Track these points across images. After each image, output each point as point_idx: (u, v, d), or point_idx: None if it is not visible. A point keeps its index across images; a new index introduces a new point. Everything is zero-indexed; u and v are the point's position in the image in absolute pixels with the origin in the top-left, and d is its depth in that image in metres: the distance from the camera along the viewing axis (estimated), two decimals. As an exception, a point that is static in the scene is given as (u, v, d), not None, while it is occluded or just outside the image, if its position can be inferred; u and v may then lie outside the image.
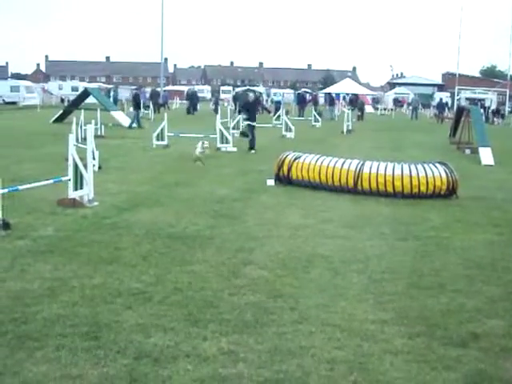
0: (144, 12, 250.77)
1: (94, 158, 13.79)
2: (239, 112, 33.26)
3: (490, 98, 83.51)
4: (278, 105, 49.25)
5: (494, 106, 70.42)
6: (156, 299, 6.69)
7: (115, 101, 53.79)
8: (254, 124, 23.51)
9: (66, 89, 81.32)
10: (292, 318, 6.26)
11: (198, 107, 56.13)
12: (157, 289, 7.03)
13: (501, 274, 8.17)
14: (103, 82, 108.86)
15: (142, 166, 17.79)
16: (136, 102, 35.88)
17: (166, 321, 6.08)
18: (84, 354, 5.26)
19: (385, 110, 73.78)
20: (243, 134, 24.98)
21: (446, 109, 63.33)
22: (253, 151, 22.88)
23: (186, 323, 6.04)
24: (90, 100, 38.87)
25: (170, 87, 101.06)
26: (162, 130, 23.67)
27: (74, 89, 75.19)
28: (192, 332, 5.83)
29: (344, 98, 72.98)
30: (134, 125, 33.38)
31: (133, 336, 5.68)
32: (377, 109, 73.98)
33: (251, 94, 28.39)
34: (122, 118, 36.12)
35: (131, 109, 37.26)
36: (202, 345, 5.56)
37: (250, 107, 24.62)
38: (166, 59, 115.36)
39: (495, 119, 57.15)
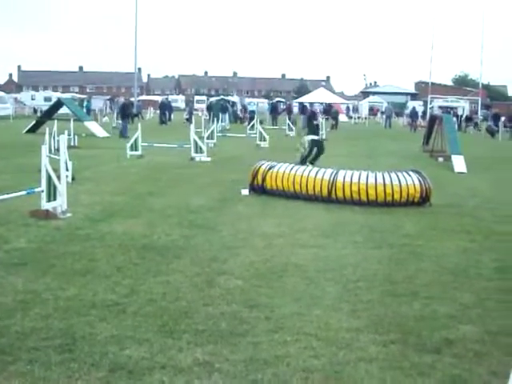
0: (117, 22, 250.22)
1: (67, 169, 13.71)
2: (213, 121, 33.32)
3: (463, 106, 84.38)
4: (252, 114, 49.37)
5: (466, 114, 71.06)
6: (130, 310, 6.65)
7: (88, 111, 53.54)
8: (315, 138, 21.18)
9: (39, 99, 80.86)
10: (267, 328, 6.26)
11: (172, 117, 56.12)
12: (131, 300, 6.99)
13: (474, 280, 8.24)
14: (76, 92, 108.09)
15: (116, 177, 17.73)
16: (123, 113, 35.83)
17: (140, 332, 6.04)
18: (58, 368, 5.21)
19: (359, 118, 74.21)
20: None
21: (419, 117, 63.80)
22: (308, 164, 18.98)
23: (160, 334, 6.01)
24: (64, 110, 38.72)
25: (144, 97, 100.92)
26: (135, 140, 23.63)
27: (47, 99, 74.72)
28: (167, 343, 5.81)
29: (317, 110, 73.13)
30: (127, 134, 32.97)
31: (107, 348, 5.63)
32: (351, 117, 74.40)
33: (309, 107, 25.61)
34: (96, 128, 36.03)
35: (118, 119, 37.18)
36: (177, 356, 5.54)
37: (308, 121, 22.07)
38: (139, 69, 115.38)
39: (468, 127, 57.67)
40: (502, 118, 53.67)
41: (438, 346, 5.94)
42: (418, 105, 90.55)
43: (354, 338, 6.06)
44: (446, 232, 11.33)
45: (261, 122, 36.64)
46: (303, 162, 19.83)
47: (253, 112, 52.13)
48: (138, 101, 69.52)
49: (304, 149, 20.81)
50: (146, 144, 24.59)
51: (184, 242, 9.86)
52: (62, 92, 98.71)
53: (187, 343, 5.81)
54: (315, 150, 20.96)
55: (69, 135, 23.25)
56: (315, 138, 21.35)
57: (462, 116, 65.45)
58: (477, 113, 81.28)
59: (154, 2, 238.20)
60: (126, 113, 36.40)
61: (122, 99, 54.25)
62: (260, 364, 5.43)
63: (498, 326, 6.53)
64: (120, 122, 35.13)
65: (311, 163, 19.62)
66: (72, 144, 25.43)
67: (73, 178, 15.69)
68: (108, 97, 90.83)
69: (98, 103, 74.70)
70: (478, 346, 5.99)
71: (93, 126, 36.13)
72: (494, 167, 24.29)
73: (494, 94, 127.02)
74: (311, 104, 63.56)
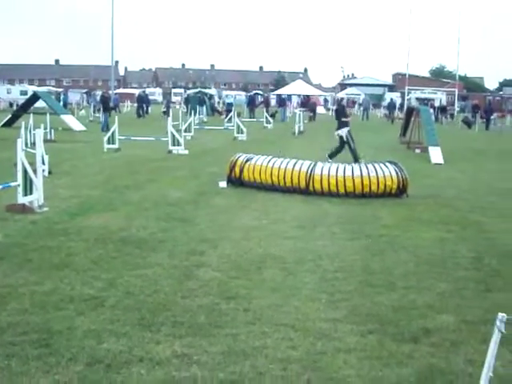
0: (94, 14, 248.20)
1: (43, 163, 13.61)
2: (191, 114, 33.27)
3: (440, 97, 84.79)
4: (229, 107, 49.32)
5: (440, 104, 71.42)
6: (108, 304, 6.62)
7: (65, 104, 53.20)
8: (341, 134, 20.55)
9: (15, 93, 80.00)
10: (245, 319, 6.26)
11: (150, 110, 55.90)
12: (109, 294, 6.96)
13: (450, 270, 8.30)
14: (53, 86, 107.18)
15: (93, 170, 17.63)
16: (104, 105, 35.64)
17: (118, 326, 6.02)
18: (35, 362, 5.18)
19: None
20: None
21: (397, 109, 64.05)
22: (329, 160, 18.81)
23: (138, 327, 5.99)
24: (40, 104, 38.43)
25: (121, 90, 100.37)
26: (112, 133, 23.52)
27: (23, 93, 73.96)
28: (145, 336, 5.79)
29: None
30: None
31: (85, 342, 5.60)
32: (328, 109, 74.51)
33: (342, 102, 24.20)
34: (73, 121, 35.80)
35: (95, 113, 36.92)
36: (156, 349, 5.53)
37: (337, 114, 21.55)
38: (116, 62, 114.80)
39: (443, 118, 58.00)
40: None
41: (416, 336, 5.98)
42: (395, 96, 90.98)
43: (331, 329, 6.09)
44: (423, 223, 11.40)
45: (238, 115, 36.64)
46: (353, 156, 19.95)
47: (230, 105, 52.05)
48: (115, 94, 69.20)
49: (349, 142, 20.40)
50: (123, 137, 24.49)
51: (162, 234, 9.83)
52: (38, 85, 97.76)
53: (165, 336, 5.80)
54: (340, 145, 20.69)
55: (45, 129, 23.12)
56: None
57: (438, 108, 65.76)
58: (453, 104, 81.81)
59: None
60: (107, 106, 36.23)
61: (101, 92, 53.99)
62: (238, 356, 5.43)
63: (474, 314, 6.59)
64: (101, 115, 34.83)
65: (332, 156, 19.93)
66: (48, 138, 25.24)
67: (49, 172, 15.59)
68: (85, 90, 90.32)
69: (74, 96, 74.35)
70: (454, 335, 6.05)
71: (69, 120, 35.88)
72: (471, 158, 24.48)
73: (470, 85, 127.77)
74: (306, 96, 63.47)
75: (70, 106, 56.65)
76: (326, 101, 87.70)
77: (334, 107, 23.03)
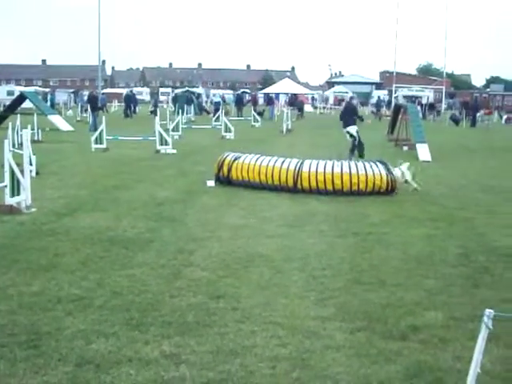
0: (81, 14, 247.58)
1: (31, 164, 13.55)
2: (179, 113, 33.24)
3: (427, 95, 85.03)
4: (217, 106, 49.28)
5: (429, 101, 71.65)
6: (96, 304, 6.60)
7: (52, 105, 52.99)
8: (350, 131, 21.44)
9: (2, 93, 79.51)
10: (234, 318, 6.26)
11: (137, 109, 55.78)
12: (97, 294, 6.94)
13: (438, 267, 8.34)
14: (40, 86, 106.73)
15: (81, 171, 17.58)
16: (92, 105, 35.54)
17: (107, 326, 6.01)
18: (23, 364, 5.16)
19: (324, 108, 74.44)
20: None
21: (384, 106, 64.20)
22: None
23: (127, 327, 5.99)
24: (27, 104, 38.25)
25: (109, 90, 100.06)
26: (100, 133, 23.45)
27: (10, 93, 73.44)
28: (134, 336, 5.78)
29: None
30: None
31: (74, 343, 5.60)
32: (316, 107, 74.61)
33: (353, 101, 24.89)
34: (60, 122, 35.66)
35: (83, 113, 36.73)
36: (144, 349, 5.52)
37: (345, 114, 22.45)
38: (103, 61, 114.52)
39: (431, 116, 58.18)
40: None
41: (404, 333, 6.00)
42: (382, 94, 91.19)
43: (320, 327, 6.10)
44: (411, 220, 11.43)
45: (226, 114, 36.58)
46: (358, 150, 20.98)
47: (218, 103, 51.99)
48: (103, 94, 68.98)
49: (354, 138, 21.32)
50: (111, 137, 24.42)
51: (150, 234, 9.82)
52: (25, 86, 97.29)
53: (154, 336, 5.80)
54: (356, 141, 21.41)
55: (32, 129, 23.02)
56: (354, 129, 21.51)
57: (426, 105, 65.96)
58: (441, 101, 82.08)
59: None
60: (96, 106, 36.16)
61: (88, 92, 53.81)
62: (227, 354, 5.43)
63: (462, 311, 6.62)
64: (89, 115, 34.68)
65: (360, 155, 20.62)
66: (36, 138, 25.16)
67: (37, 173, 15.53)
68: (72, 90, 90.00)
69: (61, 97, 74.02)
70: (443, 331, 6.07)
71: (57, 120, 35.73)
72: (458, 155, 24.57)
73: (457, 82, 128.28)
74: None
75: (58, 107, 56.40)
76: (313, 99, 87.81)
77: (343, 105, 23.03)
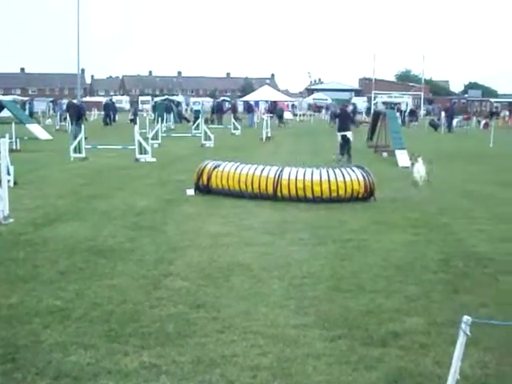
0: (60, 22, 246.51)
1: (8, 174, 13.46)
2: (158, 121, 33.16)
3: (406, 101, 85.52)
4: (197, 114, 49.25)
5: (409, 108, 72.02)
6: (75, 316, 6.55)
7: (31, 113, 52.68)
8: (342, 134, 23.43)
9: (-20, 103, 79.18)
10: (214, 328, 6.24)
11: (117, 118, 55.62)
12: (76, 305, 6.89)
13: (418, 273, 8.36)
14: (18, 95, 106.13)
15: (60, 180, 17.46)
16: (77, 114, 35.40)
17: (86, 338, 5.96)
18: (1, 378, 5.10)
19: (304, 115, 74.61)
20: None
21: (363, 113, 64.50)
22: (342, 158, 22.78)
23: (106, 339, 5.94)
24: (5, 113, 38.03)
25: (88, 98, 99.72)
26: (79, 142, 23.32)
27: (-12, 102, 73.22)
28: (113, 347, 5.74)
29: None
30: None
31: (52, 355, 5.54)
32: (296, 115, 74.73)
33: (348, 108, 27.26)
34: (39, 131, 35.48)
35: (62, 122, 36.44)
36: (124, 360, 5.48)
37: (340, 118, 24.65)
38: (83, 70, 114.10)
39: (411, 122, 58.48)
40: (442, 113, 54.80)
41: (385, 339, 6.01)
42: (362, 101, 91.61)
43: (300, 335, 6.09)
44: (391, 226, 11.45)
45: (206, 122, 36.56)
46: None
47: (198, 112, 51.97)
48: (82, 102, 68.66)
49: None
50: (90, 146, 24.31)
51: (129, 244, 9.77)
52: (4, 94, 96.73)
53: (133, 347, 5.76)
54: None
55: (10, 138, 22.82)
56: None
57: (405, 111, 66.32)
58: (420, 107, 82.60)
59: (97, 2, 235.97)
60: (80, 115, 36.08)
61: (70, 101, 53.52)
62: (207, 364, 5.41)
63: (442, 317, 6.65)
64: (68, 124, 34.50)
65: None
66: (14, 147, 24.94)
67: (15, 183, 15.41)
68: (51, 99, 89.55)
69: (40, 105, 73.59)
70: (423, 337, 6.09)
71: (35, 129, 35.57)
72: (438, 161, 24.60)
73: (436, 88, 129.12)
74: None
75: (36, 115, 56.07)
76: (293, 106, 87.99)
77: (337, 111, 26.74)
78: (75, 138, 29.90)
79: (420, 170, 16.21)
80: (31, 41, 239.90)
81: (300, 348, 5.77)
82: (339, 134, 23.66)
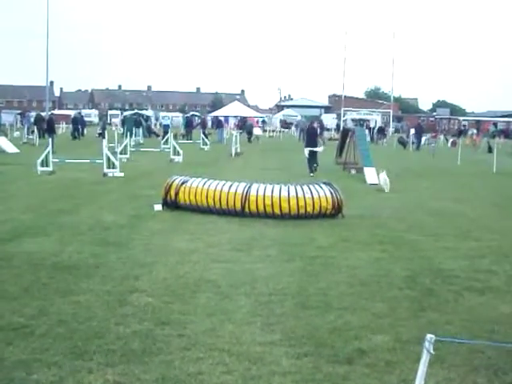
0: (28, 33, 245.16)
1: (-27, 188, 13.30)
2: (127, 136, 33.01)
3: (375, 118, 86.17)
4: (166, 128, 49.20)
5: (378, 125, 72.56)
6: (39, 333, 6.46)
7: (-3, 125, 52.16)
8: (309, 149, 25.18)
9: None
10: (180, 345, 6.19)
11: (85, 132, 55.31)
12: (40, 322, 6.79)
13: (385, 290, 8.39)
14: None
15: (26, 194, 17.27)
16: (50, 126, 35.25)
17: (49, 355, 5.88)
18: (-39, 396, 5.02)
19: (273, 132, 74.79)
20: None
21: (326, 130, 64.84)
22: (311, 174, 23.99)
23: (70, 356, 5.86)
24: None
25: (57, 111, 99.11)
26: (46, 155, 23.12)
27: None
28: (77, 365, 5.67)
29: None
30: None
31: (14, 373, 5.45)
32: (265, 131, 74.91)
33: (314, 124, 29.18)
34: (5, 143, 35.14)
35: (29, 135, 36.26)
36: (88, 378, 5.42)
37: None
38: (51, 82, 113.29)
39: (379, 140, 58.91)
40: (412, 130, 55.35)
41: (351, 357, 6.01)
42: (331, 118, 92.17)
43: (267, 352, 6.07)
44: (358, 243, 11.49)
45: (175, 137, 36.48)
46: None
47: (167, 126, 51.90)
48: (50, 115, 68.17)
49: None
50: (58, 160, 24.13)
51: (95, 260, 9.66)
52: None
53: (98, 364, 5.69)
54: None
55: (-24, 152, 22.62)
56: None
57: (374, 128, 66.80)
58: (389, 125, 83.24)
59: (67, 15, 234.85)
60: (53, 128, 35.98)
61: (39, 114, 53.17)
62: (172, 382, 5.38)
63: (408, 334, 6.67)
64: (45, 138, 34.35)
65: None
66: (-20, 161, 24.70)
67: (-20, 197, 15.23)
68: (19, 111, 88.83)
69: (8, 118, 72.94)
70: (389, 354, 6.10)
71: (2, 142, 35.22)
72: (405, 178, 24.85)
73: (405, 106, 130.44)
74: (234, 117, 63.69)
75: (3, 128, 55.54)
76: (263, 122, 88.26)
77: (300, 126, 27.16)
78: (52, 148, 29.74)
79: (385, 179, 20.15)
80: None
81: (266, 366, 5.75)
82: (306, 150, 25.34)
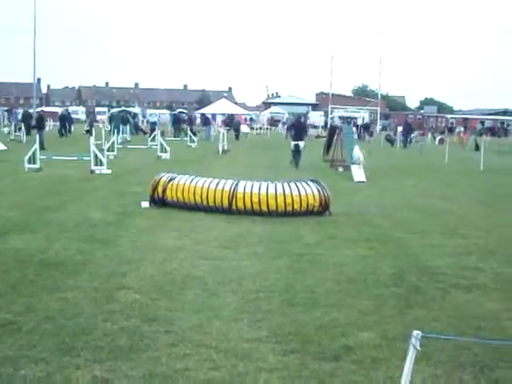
0: (16, 30, 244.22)
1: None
2: (114, 133, 32.94)
3: (363, 116, 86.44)
4: (153, 125, 49.14)
5: (363, 122, 72.81)
6: (26, 329, 6.45)
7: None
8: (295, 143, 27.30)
9: None
10: (167, 342, 6.20)
11: (72, 129, 55.13)
12: (27, 318, 6.78)
13: (371, 287, 8.42)
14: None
15: (13, 191, 17.20)
16: (39, 123, 35.15)
17: (36, 351, 5.87)
18: None
19: (260, 129, 74.84)
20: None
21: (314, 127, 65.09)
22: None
23: (58, 352, 5.86)
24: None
25: (44, 108, 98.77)
26: (33, 152, 23.03)
27: None
28: (64, 361, 5.67)
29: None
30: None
31: (2, 369, 5.44)
32: (253, 128, 74.94)
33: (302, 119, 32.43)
34: (-8, 141, 34.98)
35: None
36: (75, 374, 5.41)
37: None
38: (38, 79, 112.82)
39: (366, 136, 59.03)
40: (399, 128, 55.53)
41: (338, 354, 6.03)
42: (319, 115, 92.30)
43: (253, 349, 6.09)
44: (345, 240, 11.52)
45: (162, 134, 36.43)
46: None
47: (154, 123, 51.88)
48: (37, 112, 67.92)
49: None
50: (45, 157, 24.04)
51: (82, 256, 9.65)
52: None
53: (85, 360, 5.70)
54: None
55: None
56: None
57: (362, 125, 66.99)
58: (376, 122, 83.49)
59: (53, 12, 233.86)
60: (43, 125, 35.93)
61: (26, 110, 53.03)
62: (159, 379, 5.38)
63: (394, 331, 6.70)
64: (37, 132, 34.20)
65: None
66: (-34, 158, 24.58)
67: (-34, 193, 15.16)
68: (6, 108, 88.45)
69: (-6, 114, 72.64)
70: (375, 351, 6.13)
71: (-11, 139, 35.08)
72: (392, 176, 24.95)
73: (392, 104, 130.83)
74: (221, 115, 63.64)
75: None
76: (251, 119, 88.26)
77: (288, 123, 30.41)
78: (42, 144, 29.64)
79: (359, 154, 22.55)
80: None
81: (253, 362, 5.76)
82: (293, 143, 27.51)
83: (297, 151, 26.91)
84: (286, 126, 64.20)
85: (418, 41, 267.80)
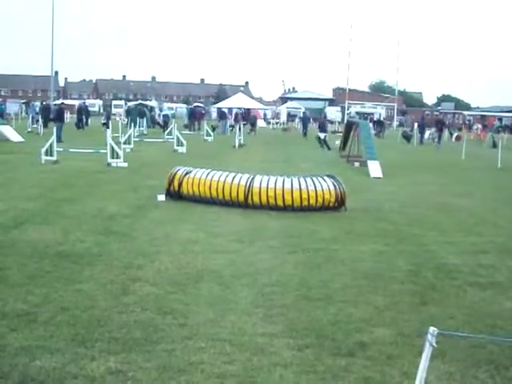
0: (33, 23, 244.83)
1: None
2: (131, 126, 33.00)
3: (379, 112, 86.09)
4: (165, 118, 49.34)
5: (377, 119, 72.47)
6: (42, 320, 6.49)
7: (2, 115, 52.15)
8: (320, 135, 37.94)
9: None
10: (181, 335, 6.21)
11: (89, 121, 55.30)
12: (43, 309, 6.82)
13: (387, 283, 8.39)
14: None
15: (30, 183, 17.28)
16: (59, 115, 35.35)
17: (52, 342, 5.91)
18: (-36, 381, 5.05)
19: (277, 124, 74.74)
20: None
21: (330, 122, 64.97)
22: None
23: (73, 343, 5.89)
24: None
25: (64, 101, 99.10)
26: (50, 144, 23.10)
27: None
28: (79, 352, 5.69)
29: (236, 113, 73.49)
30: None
31: (17, 359, 5.48)
32: (269, 123, 74.86)
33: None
34: (10, 132, 35.13)
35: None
36: (90, 365, 5.44)
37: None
38: (56, 72, 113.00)
39: (379, 133, 58.72)
40: (415, 125, 55.22)
41: (352, 349, 6.02)
42: (335, 110, 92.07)
43: (268, 343, 6.08)
44: (361, 236, 11.50)
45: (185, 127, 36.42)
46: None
47: (166, 116, 52.00)
48: (55, 105, 68.20)
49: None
50: (62, 149, 24.12)
51: (98, 248, 9.69)
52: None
53: (100, 352, 5.72)
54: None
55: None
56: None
57: (376, 121, 66.67)
58: (393, 118, 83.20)
59: (72, 5, 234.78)
60: (62, 118, 36.13)
61: (37, 103, 53.25)
62: (174, 371, 5.38)
63: (410, 328, 6.68)
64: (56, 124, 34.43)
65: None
66: (-16, 149, 24.70)
67: (-16, 185, 15.23)
68: (23, 101, 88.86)
69: (13, 107, 72.99)
70: (390, 348, 6.11)
71: (7, 131, 35.19)
72: (409, 172, 24.83)
73: (409, 100, 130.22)
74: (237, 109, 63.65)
75: (8, 117, 55.55)
76: (265, 114, 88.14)
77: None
78: (59, 137, 29.76)
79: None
80: (4, 42, 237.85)
81: (267, 356, 5.76)
82: (319, 134, 38.23)
83: (321, 140, 37.29)
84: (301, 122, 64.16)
85: (436, 37, 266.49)
